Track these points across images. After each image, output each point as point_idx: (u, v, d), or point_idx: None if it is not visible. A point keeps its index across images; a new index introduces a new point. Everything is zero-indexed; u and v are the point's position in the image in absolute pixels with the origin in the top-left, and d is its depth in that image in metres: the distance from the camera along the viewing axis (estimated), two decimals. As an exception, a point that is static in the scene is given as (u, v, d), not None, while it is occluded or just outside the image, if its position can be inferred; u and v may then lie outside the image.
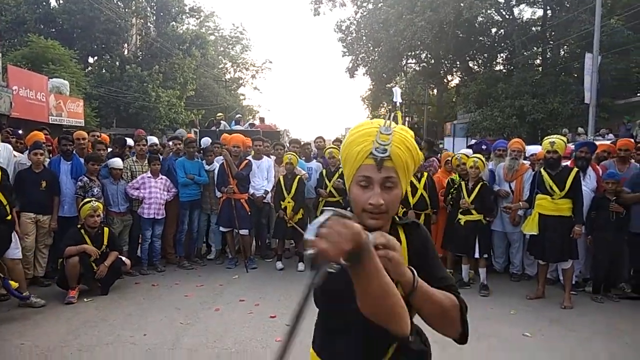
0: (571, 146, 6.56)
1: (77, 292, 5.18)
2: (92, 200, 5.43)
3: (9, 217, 4.78)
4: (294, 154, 6.83)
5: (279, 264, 6.65)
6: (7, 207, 4.73)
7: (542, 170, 5.42)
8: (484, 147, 6.72)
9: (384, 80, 28.47)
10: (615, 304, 5.31)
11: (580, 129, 16.04)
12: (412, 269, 1.27)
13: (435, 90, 31.57)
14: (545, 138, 5.61)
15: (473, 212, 5.74)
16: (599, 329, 4.55)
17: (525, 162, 6.48)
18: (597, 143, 7.01)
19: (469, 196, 5.75)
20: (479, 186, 5.79)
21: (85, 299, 5.20)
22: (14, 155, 5.76)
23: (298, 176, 6.60)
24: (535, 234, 5.32)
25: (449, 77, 29.63)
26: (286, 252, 7.35)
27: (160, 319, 4.66)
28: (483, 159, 6.06)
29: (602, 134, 14.31)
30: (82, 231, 5.34)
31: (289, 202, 6.51)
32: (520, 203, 5.81)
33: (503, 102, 19.56)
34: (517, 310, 5.06)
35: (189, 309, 4.95)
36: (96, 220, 5.36)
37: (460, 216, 5.82)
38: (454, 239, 5.98)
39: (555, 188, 5.22)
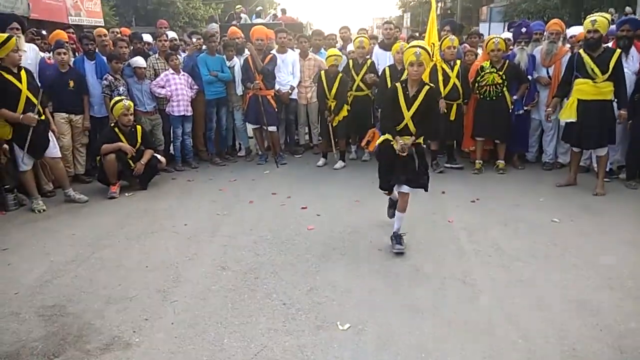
0: (614, 27, 6.05)
1: (118, 188, 5.44)
2: (123, 99, 5.48)
3: (43, 117, 4.90)
4: (338, 52, 6.48)
5: (321, 162, 6.56)
6: (39, 106, 4.82)
7: (581, 52, 5.08)
8: (523, 30, 6.25)
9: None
10: (648, 190, 5.25)
11: (627, 8, 14.72)
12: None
13: (470, -29, 28.99)
14: (588, 17, 5.19)
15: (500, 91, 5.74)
16: (629, 215, 4.55)
17: (565, 45, 6.07)
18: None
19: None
20: (505, 66, 5.69)
21: (126, 194, 5.48)
22: (40, 56, 5.75)
23: (340, 74, 6.25)
24: (574, 120, 5.13)
25: (486, -45, 26.98)
26: (314, 148, 7.38)
27: (198, 210, 4.90)
28: (503, 39, 5.88)
29: (653, 12, 13.12)
30: (117, 129, 5.46)
31: (332, 102, 6.27)
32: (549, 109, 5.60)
33: (545, -20, 17.92)
34: (547, 197, 5.07)
35: (224, 201, 5.16)
36: (130, 119, 5.45)
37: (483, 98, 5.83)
38: (480, 124, 5.91)
39: (597, 71, 4.93)
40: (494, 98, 5.79)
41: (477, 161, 6.07)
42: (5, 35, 4.68)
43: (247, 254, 3.83)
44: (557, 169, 6.12)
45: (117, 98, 5.53)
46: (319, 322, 2.87)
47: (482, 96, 5.86)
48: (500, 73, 5.69)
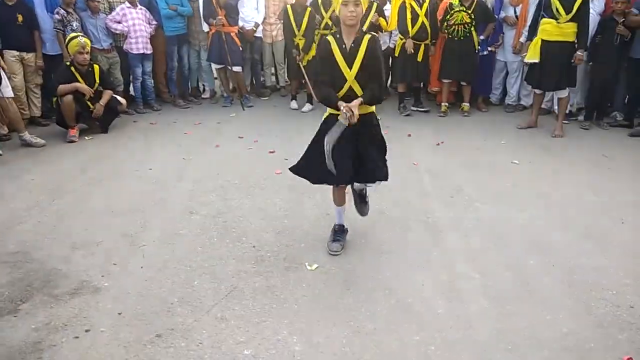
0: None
1: (77, 131, 5.24)
2: (79, 35, 5.15)
3: None
4: None
5: (293, 104, 6.46)
6: None
7: (549, -10, 5.05)
8: None
9: None
10: (605, 132, 5.47)
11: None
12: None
13: None
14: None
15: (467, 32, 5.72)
16: (586, 155, 4.76)
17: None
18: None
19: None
20: (474, 4, 5.63)
21: (86, 137, 5.29)
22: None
23: (309, 9, 5.97)
24: (536, 61, 5.19)
25: None
26: (281, 90, 7.24)
27: (162, 154, 4.80)
28: None
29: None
30: (72, 69, 5.17)
31: (300, 39, 6.04)
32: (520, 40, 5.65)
33: None
34: (509, 139, 5.21)
35: (190, 145, 5.07)
36: (86, 58, 5.15)
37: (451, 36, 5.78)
38: (447, 66, 5.90)
39: (561, 10, 4.93)
40: (461, 38, 5.75)
41: (442, 104, 6.12)
42: None
43: (214, 198, 3.83)
44: (519, 112, 6.26)
45: (72, 34, 5.20)
46: (287, 263, 2.95)
47: (450, 35, 5.80)
48: (469, 12, 5.62)
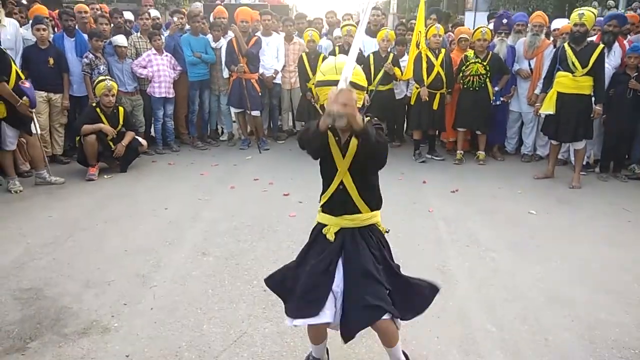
0: (600, 18, 6.15)
1: (97, 170, 5.35)
2: (106, 79, 5.36)
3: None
4: (315, 30, 6.45)
5: None
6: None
7: (565, 45, 5.15)
8: (504, 21, 6.29)
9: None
10: (623, 185, 5.40)
11: (610, 2, 14.89)
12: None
13: (458, -42, 28.89)
14: (575, 10, 5.26)
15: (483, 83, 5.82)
16: (604, 208, 4.68)
17: (547, 39, 6.14)
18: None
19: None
20: (489, 57, 5.77)
21: (105, 176, 5.40)
22: (21, 32, 5.57)
23: (322, 55, 6.22)
24: (552, 113, 5.22)
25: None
26: (297, 135, 7.36)
27: (179, 194, 4.86)
28: (489, 30, 5.97)
29: (635, 7, 13.28)
30: (98, 110, 5.35)
31: (313, 84, 6.19)
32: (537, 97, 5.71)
33: (531, -29, 18.02)
34: (525, 189, 5.17)
35: (206, 186, 5.13)
36: (111, 100, 5.34)
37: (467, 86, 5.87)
38: (463, 115, 5.99)
39: (577, 64, 5.00)
40: (476, 88, 5.84)
41: (458, 152, 6.14)
42: None
43: (228, 239, 3.83)
44: (535, 161, 6.23)
45: (100, 78, 5.41)
46: (298, 310, 2.90)
47: (465, 86, 5.90)
48: (485, 63, 5.74)
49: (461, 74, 5.87)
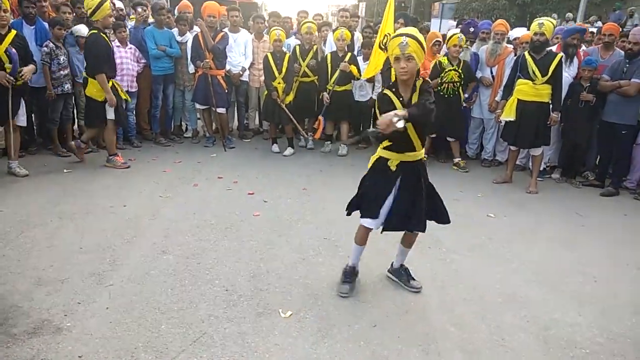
0: (563, 27, 6.39)
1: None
2: None
3: (20, 82, 4.69)
4: (282, 29, 6.40)
5: (275, 147, 6.48)
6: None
7: (526, 53, 5.31)
8: (471, 29, 6.45)
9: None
10: (578, 190, 5.61)
11: (568, 14, 15.54)
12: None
13: (425, -34, 29.44)
14: (535, 20, 5.45)
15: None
16: (559, 213, 4.85)
17: (508, 45, 6.32)
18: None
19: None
20: (461, 64, 5.85)
21: (65, 170, 5.18)
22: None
23: (288, 54, 6.19)
24: (512, 119, 5.37)
25: (442, -48, 27.48)
26: (264, 134, 7.30)
27: (139, 191, 4.72)
28: (463, 37, 6.02)
29: (592, 21, 13.92)
30: None
31: (279, 83, 6.13)
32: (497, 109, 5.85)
33: (495, -19, 18.57)
34: (485, 193, 5.30)
35: (168, 183, 5.01)
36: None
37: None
38: (435, 122, 6.01)
39: (537, 73, 5.17)
40: (450, 95, 5.89)
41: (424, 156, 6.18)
42: None
43: (189, 238, 3.75)
44: (495, 166, 6.40)
45: None
46: (260, 309, 2.87)
47: (442, 93, 5.86)
48: (460, 71, 5.81)
49: (439, 80, 5.83)
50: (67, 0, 6.31)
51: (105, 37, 5.12)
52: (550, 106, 5.26)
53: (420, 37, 2.70)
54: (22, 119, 4.92)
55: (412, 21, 7.84)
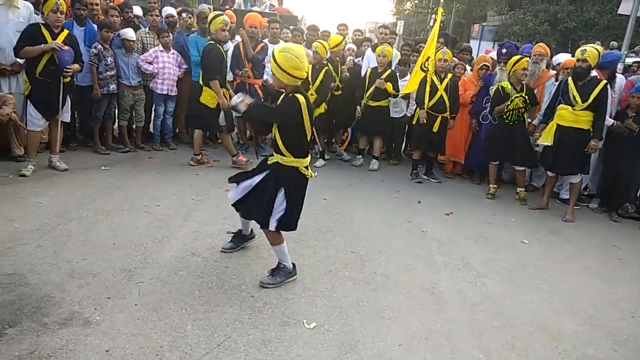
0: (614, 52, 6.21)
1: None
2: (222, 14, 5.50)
3: (68, 80, 4.87)
4: (323, 42, 6.42)
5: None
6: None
7: (569, 79, 5.20)
8: (504, 50, 6.29)
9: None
10: (616, 222, 5.41)
11: (613, 43, 15.18)
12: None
13: (467, -13, 29.40)
14: (580, 47, 5.34)
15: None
16: (596, 243, 4.69)
17: (551, 71, 6.20)
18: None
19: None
20: (525, 88, 5.58)
21: (102, 167, 5.33)
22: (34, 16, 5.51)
23: (325, 68, 6.17)
24: (549, 144, 5.24)
25: (484, -26, 27.41)
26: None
27: (172, 193, 4.80)
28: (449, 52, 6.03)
29: (637, 51, 13.56)
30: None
31: (311, 95, 6.12)
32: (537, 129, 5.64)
33: (538, 5, 18.42)
34: (519, 218, 5.18)
35: (200, 187, 5.08)
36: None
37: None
38: (496, 150, 5.76)
39: (578, 98, 5.05)
40: (515, 122, 5.61)
41: (491, 185, 5.89)
42: None
43: (218, 242, 3.78)
44: (530, 192, 6.25)
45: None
46: (285, 318, 2.85)
47: (507, 120, 5.62)
48: (525, 96, 5.52)
49: (506, 109, 5.56)
50: (115, 4, 6.55)
51: (220, 48, 5.51)
52: (591, 133, 5.13)
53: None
54: (66, 115, 5.09)
55: (451, 41, 7.81)
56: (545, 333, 2.99)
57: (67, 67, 4.75)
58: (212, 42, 5.49)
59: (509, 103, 5.53)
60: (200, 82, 5.62)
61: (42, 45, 4.60)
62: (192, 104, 5.94)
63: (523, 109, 5.57)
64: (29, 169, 4.80)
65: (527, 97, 5.54)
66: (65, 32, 4.88)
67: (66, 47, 4.72)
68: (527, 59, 5.63)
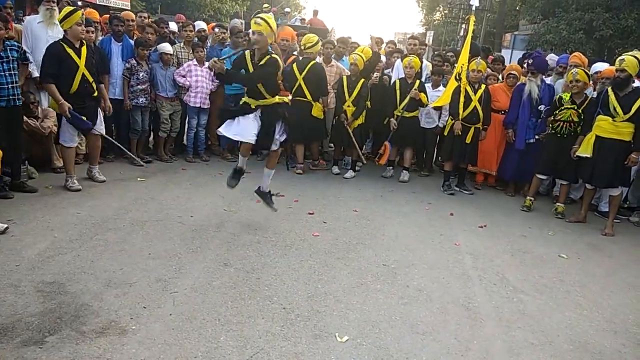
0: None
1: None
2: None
3: (95, 94, 4.99)
4: (361, 55, 6.42)
5: (335, 169, 6.55)
6: (93, 84, 4.90)
7: (609, 89, 5.04)
8: (530, 61, 6.13)
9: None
10: (659, 236, 5.20)
11: (653, 51, 14.69)
12: None
13: (498, -4, 29.08)
14: (619, 56, 5.18)
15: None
16: (637, 258, 4.50)
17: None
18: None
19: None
20: (586, 102, 5.32)
21: (138, 179, 5.46)
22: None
23: (362, 79, 6.19)
24: (588, 156, 5.09)
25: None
26: (324, 155, 7.36)
27: (205, 204, 4.88)
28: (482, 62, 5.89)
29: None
30: (65, 45, 4.67)
31: (348, 107, 6.19)
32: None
33: (572, 13, 17.92)
34: (556, 232, 5.03)
35: (232, 198, 5.13)
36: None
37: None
38: (544, 162, 5.60)
39: (619, 110, 4.89)
40: (565, 136, 5.38)
41: (528, 197, 5.75)
42: (72, 7, 4.73)
43: (250, 253, 3.81)
44: (567, 204, 6.06)
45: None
46: (317, 331, 2.84)
47: (553, 131, 5.48)
48: (580, 110, 5.28)
49: (552, 118, 5.45)
50: (151, 21, 6.76)
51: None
52: (632, 145, 4.95)
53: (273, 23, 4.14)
54: (101, 127, 5.18)
55: (483, 51, 7.71)
56: (585, 352, 2.88)
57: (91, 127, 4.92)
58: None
59: (557, 112, 5.37)
60: (309, 98, 6.08)
61: (62, 101, 4.63)
62: (300, 121, 5.70)
63: (576, 124, 5.28)
64: (75, 182, 4.90)
65: (583, 112, 5.24)
66: (85, 45, 4.82)
67: (69, 116, 4.71)
68: (574, 70, 5.41)
